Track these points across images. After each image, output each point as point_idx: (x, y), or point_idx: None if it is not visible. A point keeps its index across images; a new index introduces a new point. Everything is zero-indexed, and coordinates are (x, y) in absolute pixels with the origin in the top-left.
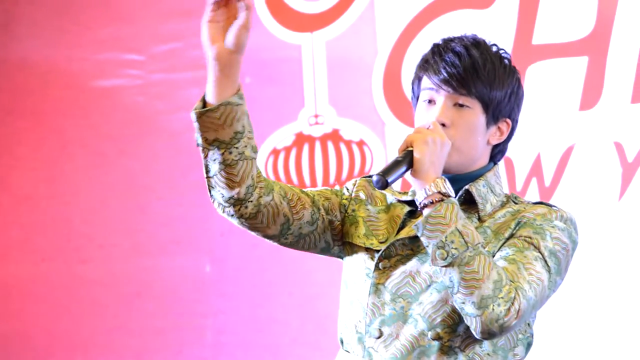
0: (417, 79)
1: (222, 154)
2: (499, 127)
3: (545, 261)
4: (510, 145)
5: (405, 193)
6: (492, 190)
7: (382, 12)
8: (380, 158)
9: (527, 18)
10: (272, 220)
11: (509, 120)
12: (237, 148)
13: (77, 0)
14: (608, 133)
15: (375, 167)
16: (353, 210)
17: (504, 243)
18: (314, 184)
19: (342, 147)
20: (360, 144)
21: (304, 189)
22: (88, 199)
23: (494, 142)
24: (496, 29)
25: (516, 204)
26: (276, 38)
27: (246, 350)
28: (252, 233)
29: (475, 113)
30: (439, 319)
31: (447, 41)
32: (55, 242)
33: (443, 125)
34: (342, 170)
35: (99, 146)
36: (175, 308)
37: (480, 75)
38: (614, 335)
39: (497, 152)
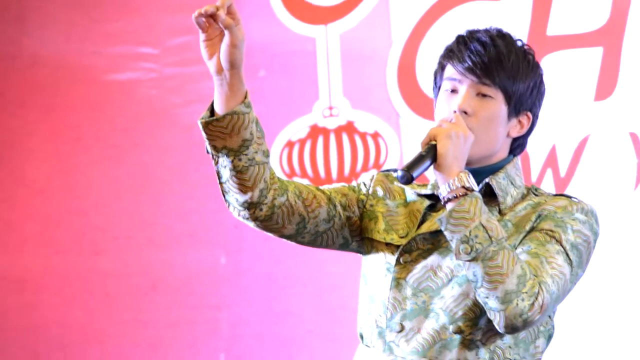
0: (441, 68)
1: (232, 161)
2: (519, 120)
3: (567, 254)
4: None
5: (424, 186)
6: (512, 183)
7: (396, 4)
8: (394, 150)
9: (541, 9)
10: (288, 220)
11: (529, 114)
12: (246, 155)
13: None
14: (623, 123)
15: (390, 159)
16: (371, 206)
17: (525, 236)
18: (328, 176)
19: (357, 139)
20: (375, 135)
21: (320, 187)
22: (102, 191)
23: (514, 135)
24: (510, 20)
25: (537, 196)
26: (290, 31)
27: (261, 343)
28: (269, 234)
29: (498, 104)
30: (460, 313)
31: (472, 32)
32: (69, 235)
33: (465, 112)
34: (357, 162)
35: (112, 139)
36: (190, 300)
37: (504, 66)
38: (632, 325)
39: (517, 145)
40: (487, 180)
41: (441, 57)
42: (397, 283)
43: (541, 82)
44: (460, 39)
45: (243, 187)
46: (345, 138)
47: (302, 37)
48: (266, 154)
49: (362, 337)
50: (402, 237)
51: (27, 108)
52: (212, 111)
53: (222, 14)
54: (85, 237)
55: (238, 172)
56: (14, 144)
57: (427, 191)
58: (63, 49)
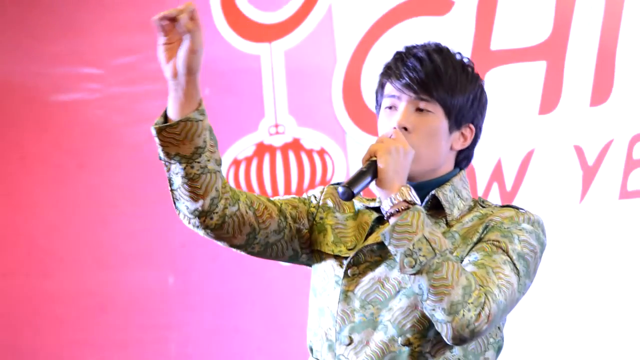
0: (380, 86)
1: (184, 168)
2: (462, 133)
3: (514, 264)
4: None
5: (373, 200)
6: (459, 195)
7: (340, 21)
8: (341, 166)
9: (484, 24)
10: (238, 230)
11: (472, 126)
12: (199, 162)
13: (30, 14)
14: (568, 136)
15: (337, 175)
16: (321, 218)
17: (472, 247)
18: (275, 193)
19: (304, 156)
20: (321, 152)
21: (271, 198)
22: (48, 212)
23: (458, 147)
24: (454, 36)
25: (484, 207)
26: (235, 49)
27: None
28: (219, 243)
29: (438, 118)
30: (408, 325)
31: (410, 48)
32: (15, 257)
33: (405, 129)
34: (304, 180)
35: (58, 159)
36: (139, 321)
37: (442, 80)
38: (582, 334)
39: (462, 158)
40: (433, 192)
41: (380, 75)
42: (346, 296)
43: (482, 93)
44: (397, 56)
45: (194, 195)
46: (291, 155)
47: (247, 55)
48: (218, 163)
49: (311, 350)
50: (350, 250)
51: None
52: (165, 118)
53: (184, 17)
54: (32, 259)
55: (190, 180)
56: None
57: (376, 204)
58: (7, 70)
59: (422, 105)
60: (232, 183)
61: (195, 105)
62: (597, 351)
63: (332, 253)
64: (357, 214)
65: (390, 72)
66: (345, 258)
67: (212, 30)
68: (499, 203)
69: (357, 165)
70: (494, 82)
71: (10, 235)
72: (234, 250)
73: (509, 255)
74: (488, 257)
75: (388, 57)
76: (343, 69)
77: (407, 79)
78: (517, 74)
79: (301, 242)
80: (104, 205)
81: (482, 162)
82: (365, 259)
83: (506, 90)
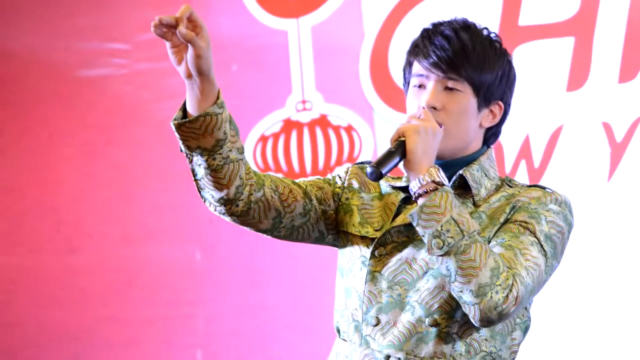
0: (408, 64)
1: (206, 160)
2: (491, 110)
3: (542, 246)
4: None
5: (399, 178)
6: (486, 174)
7: None
8: (368, 143)
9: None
10: (264, 215)
11: (501, 103)
12: (220, 154)
13: None
14: (596, 113)
15: (364, 152)
16: (347, 199)
17: (499, 228)
18: (302, 170)
19: (331, 132)
20: (349, 129)
21: (296, 180)
22: (75, 188)
23: (487, 125)
24: (482, 11)
25: (511, 187)
26: (262, 24)
27: (237, 338)
28: (245, 228)
29: (466, 96)
30: (436, 306)
31: (437, 25)
32: (42, 233)
33: (434, 108)
34: (331, 156)
35: (84, 136)
36: (166, 296)
37: (470, 58)
38: (605, 318)
39: (491, 135)
40: (460, 172)
41: (408, 53)
42: (373, 276)
43: (510, 69)
44: (424, 34)
45: (218, 185)
46: (318, 132)
47: (274, 31)
48: (240, 151)
49: (338, 331)
50: (377, 230)
51: None
52: (184, 111)
53: (181, 28)
54: (59, 235)
55: (213, 171)
56: None
57: (402, 184)
58: (34, 45)
59: (450, 84)
60: (259, 159)
61: (213, 99)
62: (627, 333)
63: (358, 234)
64: (382, 194)
65: (417, 50)
66: (372, 239)
67: (239, 6)
68: (527, 181)
69: (384, 142)
70: (522, 58)
71: (38, 211)
72: (260, 234)
73: (536, 237)
74: (515, 238)
75: (416, 33)
76: (370, 45)
77: (434, 57)
78: (545, 50)
79: (327, 224)
80: (131, 181)
81: (510, 139)
82: (393, 239)
83: (534, 66)
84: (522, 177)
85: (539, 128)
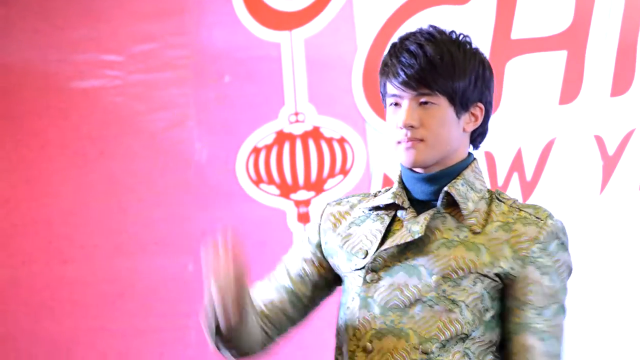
0: (382, 83)
1: (234, 347)
2: (471, 114)
3: (562, 305)
4: (491, 140)
5: (369, 195)
6: (472, 188)
7: (360, 9)
8: (361, 155)
9: (505, 13)
10: (278, 338)
11: (480, 105)
12: (247, 341)
13: (50, 1)
14: (588, 127)
15: (357, 165)
16: (326, 243)
17: (501, 274)
18: (295, 182)
19: (323, 144)
20: (341, 141)
21: (283, 286)
22: (68, 200)
23: (470, 128)
24: (475, 24)
25: (501, 201)
26: (255, 37)
27: None
28: None
29: (442, 108)
30: (430, 334)
31: (402, 40)
32: (35, 244)
33: (412, 127)
34: (324, 168)
35: (78, 147)
36: (158, 308)
37: (439, 71)
38: (596, 328)
39: (477, 135)
40: (446, 189)
41: (379, 73)
42: (365, 302)
43: (484, 69)
44: (391, 51)
45: (241, 355)
46: (311, 144)
47: (267, 43)
48: (257, 319)
49: (340, 352)
50: (363, 259)
51: None
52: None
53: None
54: (52, 246)
55: (241, 356)
56: None
57: (386, 201)
58: (27, 57)
59: (424, 99)
60: (251, 171)
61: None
62: (622, 344)
63: (350, 270)
64: (362, 217)
65: (387, 70)
66: (363, 267)
67: (232, 18)
68: (519, 194)
69: (376, 154)
70: (514, 71)
71: (30, 222)
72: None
73: (555, 299)
74: (541, 318)
75: None
76: (363, 58)
77: (404, 76)
78: (537, 63)
79: (329, 281)
80: (124, 192)
81: (502, 151)
82: (385, 263)
83: (526, 79)
84: (514, 190)
85: (531, 141)
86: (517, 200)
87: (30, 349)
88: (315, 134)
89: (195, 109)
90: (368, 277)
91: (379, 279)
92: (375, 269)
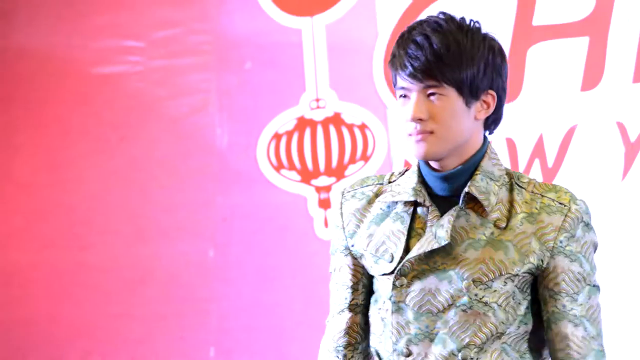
0: (392, 75)
1: None
2: (483, 101)
3: (593, 285)
4: (512, 126)
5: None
6: (491, 178)
7: None
8: (382, 141)
9: None
10: None
11: (492, 92)
12: None
13: None
14: (610, 113)
15: (378, 151)
16: (353, 245)
17: (531, 270)
18: (316, 167)
19: (344, 130)
20: (362, 127)
21: (355, 306)
22: (89, 185)
23: (483, 116)
24: (497, 11)
25: (521, 187)
26: (276, 23)
27: (250, 335)
28: None
29: (451, 99)
30: (467, 340)
31: (410, 30)
32: (56, 229)
33: (420, 120)
34: (345, 154)
35: (100, 133)
36: (179, 293)
37: (445, 61)
38: (623, 317)
39: (491, 122)
40: (466, 189)
41: (389, 63)
42: (398, 307)
43: (494, 55)
44: (399, 42)
45: None
46: (332, 130)
47: (288, 29)
48: None
49: (378, 355)
50: (390, 262)
51: (13, 102)
52: None
53: None
54: (73, 232)
55: None
56: (0, 138)
57: (406, 197)
58: (50, 43)
59: (431, 90)
60: (272, 157)
61: None
62: None
63: (378, 274)
64: (383, 213)
65: (395, 61)
66: (392, 272)
67: (254, 4)
68: (541, 180)
69: (397, 141)
70: (536, 58)
71: (51, 207)
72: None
73: (588, 282)
74: (575, 303)
75: None
76: (384, 44)
77: (411, 68)
78: (559, 49)
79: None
80: (145, 178)
81: (523, 138)
82: (413, 267)
83: (548, 66)
84: (535, 175)
85: (552, 127)
86: (537, 183)
87: (50, 334)
88: (336, 119)
89: (216, 95)
90: (397, 282)
91: (410, 283)
92: (404, 274)
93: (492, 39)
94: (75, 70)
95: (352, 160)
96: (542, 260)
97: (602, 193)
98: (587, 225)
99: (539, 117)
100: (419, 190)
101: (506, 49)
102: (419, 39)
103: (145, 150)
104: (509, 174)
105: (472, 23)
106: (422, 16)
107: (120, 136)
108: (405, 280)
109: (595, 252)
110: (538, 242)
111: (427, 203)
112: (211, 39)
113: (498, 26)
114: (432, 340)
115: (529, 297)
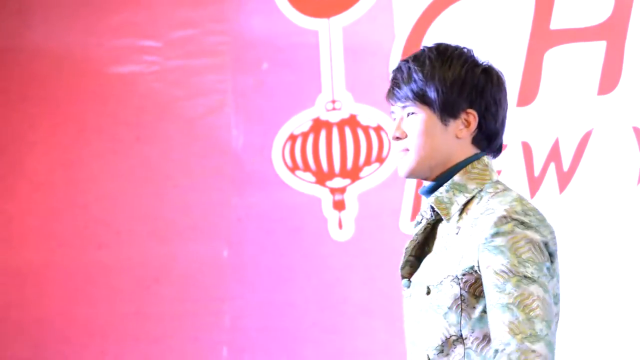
0: None
1: None
2: (463, 120)
3: (525, 276)
4: (528, 130)
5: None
6: (460, 191)
7: None
8: None
9: (544, 3)
10: None
11: (471, 111)
12: None
13: None
14: (626, 118)
15: (393, 153)
16: None
17: (468, 270)
18: (331, 169)
19: (360, 132)
20: (378, 129)
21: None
22: (104, 184)
23: (465, 135)
24: (514, 15)
25: (483, 197)
26: (293, 24)
27: (264, 335)
28: None
29: (422, 117)
30: (428, 341)
31: (402, 60)
32: (71, 228)
33: (398, 138)
34: (360, 156)
35: (115, 132)
36: (193, 293)
37: (414, 81)
38: (631, 316)
39: (480, 140)
40: (430, 203)
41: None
42: (405, 316)
43: (472, 76)
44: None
45: None
46: (348, 132)
47: (305, 31)
48: None
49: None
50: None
51: (29, 101)
52: None
53: None
54: (88, 231)
55: None
56: (16, 137)
57: (419, 225)
58: (66, 42)
59: (407, 110)
60: (287, 158)
61: None
62: None
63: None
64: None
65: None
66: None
67: (271, 5)
68: (556, 183)
69: None
70: (553, 61)
71: (66, 206)
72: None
73: (515, 274)
74: (501, 293)
75: (446, 35)
76: (401, 46)
77: (391, 91)
78: (576, 53)
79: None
80: (160, 178)
81: (539, 141)
82: (409, 279)
83: (565, 70)
84: (551, 180)
85: (569, 131)
86: (496, 192)
87: (64, 333)
88: (351, 121)
89: (232, 96)
90: (404, 294)
91: (409, 295)
92: (408, 286)
93: (478, 65)
94: (91, 70)
95: (367, 162)
96: (475, 261)
97: (618, 197)
98: (523, 223)
99: (555, 120)
100: (423, 208)
101: (523, 52)
102: (401, 64)
103: (160, 150)
104: (493, 184)
105: (457, 50)
106: (440, 19)
107: (136, 136)
108: (407, 292)
109: (534, 248)
110: (473, 244)
111: (423, 220)
112: (228, 39)
113: (515, 30)
114: (415, 345)
115: (484, 303)
